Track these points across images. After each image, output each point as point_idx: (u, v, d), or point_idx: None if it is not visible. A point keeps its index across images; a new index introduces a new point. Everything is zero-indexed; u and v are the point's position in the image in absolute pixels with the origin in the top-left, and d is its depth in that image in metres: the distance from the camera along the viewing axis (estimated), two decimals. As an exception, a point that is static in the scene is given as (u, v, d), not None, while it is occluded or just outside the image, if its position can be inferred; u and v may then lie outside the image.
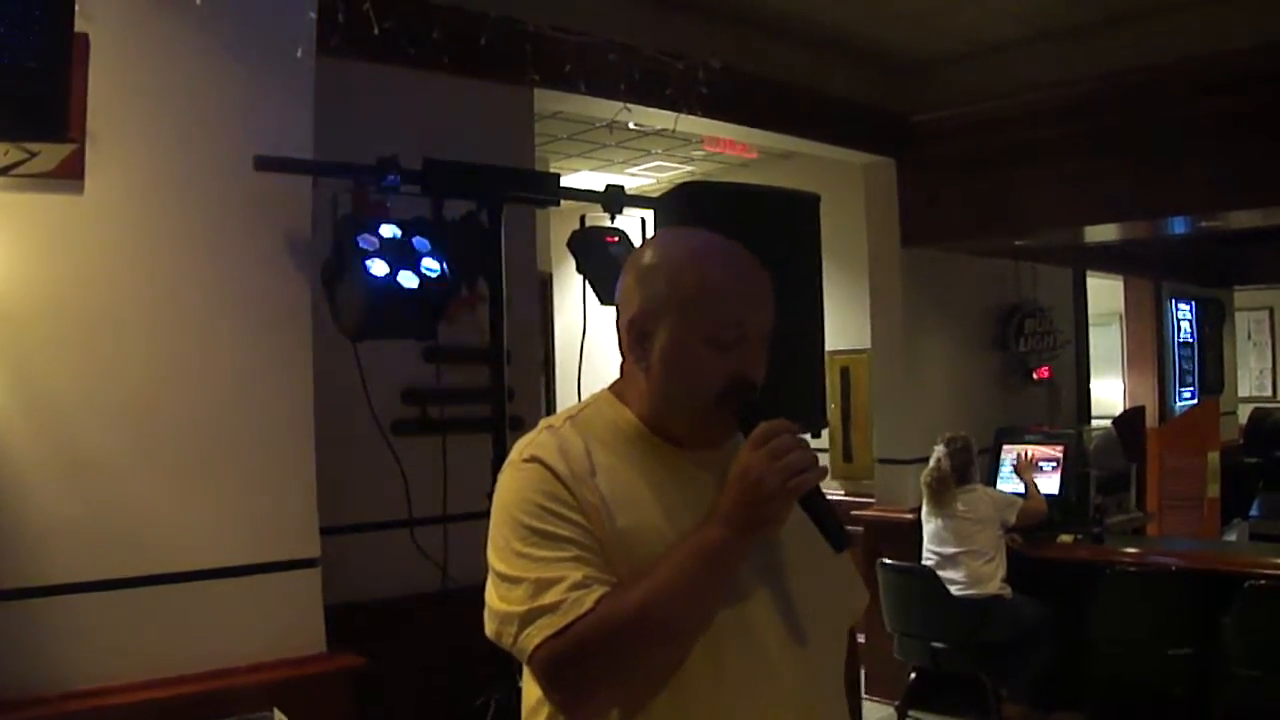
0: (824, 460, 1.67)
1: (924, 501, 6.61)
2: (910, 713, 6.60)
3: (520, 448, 1.84)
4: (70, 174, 3.15)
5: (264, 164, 3.42)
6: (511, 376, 3.91)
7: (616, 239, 4.09)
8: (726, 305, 1.78)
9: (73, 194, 3.18)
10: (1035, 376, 8.43)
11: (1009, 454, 7.49)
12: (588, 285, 4.08)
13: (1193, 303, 12.20)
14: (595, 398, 1.95)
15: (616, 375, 1.95)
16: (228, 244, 3.47)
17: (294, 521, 3.57)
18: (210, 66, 3.46)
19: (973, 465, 6.60)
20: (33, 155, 2.95)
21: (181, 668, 3.27)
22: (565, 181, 4.29)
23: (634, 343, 1.85)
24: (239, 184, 3.45)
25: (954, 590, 6.36)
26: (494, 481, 1.85)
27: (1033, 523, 6.51)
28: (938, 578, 6.39)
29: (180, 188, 3.38)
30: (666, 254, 1.87)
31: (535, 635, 1.64)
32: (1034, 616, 6.25)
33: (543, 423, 1.90)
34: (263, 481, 3.51)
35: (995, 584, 6.30)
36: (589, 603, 1.63)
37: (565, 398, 7.32)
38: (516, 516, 1.74)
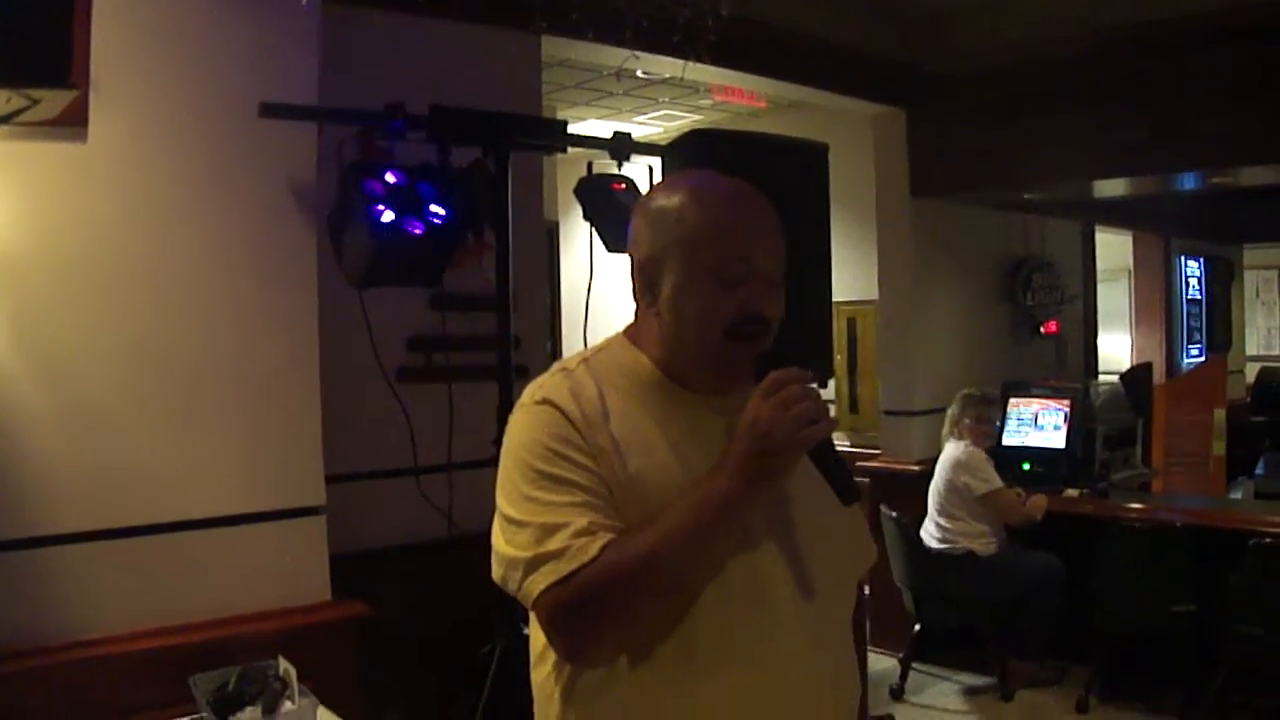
0: (830, 411, 1.66)
1: None
2: (914, 665, 6.62)
3: (532, 389, 1.82)
4: (73, 121, 3.12)
5: (269, 111, 3.39)
6: (518, 324, 3.90)
7: (624, 186, 4.07)
8: (731, 240, 1.76)
9: (76, 142, 3.15)
10: (1043, 330, 8.43)
11: (1015, 408, 7.47)
12: (594, 232, 4.06)
13: (1202, 260, 12.17)
14: (610, 341, 1.93)
15: (624, 321, 1.93)
16: (232, 191, 3.45)
17: (299, 470, 3.58)
18: (215, 12, 3.43)
19: (958, 420, 6.59)
20: (35, 103, 2.92)
21: (186, 616, 3.29)
22: (572, 129, 4.25)
23: (644, 286, 1.83)
24: (244, 131, 3.43)
25: (931, 544, 6.42)
26: (500, 429, 1.84)
27: (1005, 518, 6.41)
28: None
29: (185, 135, 3.36)
30: (672, 195, 1.85)
31: (539, 581, 1.63)
32: (1024, 576, 6.25)
33: (556, 364, 1.89)
34: (267, 430, 3.50)
35: (967, 541, 6.31)
36: (594, 550, 1.61)
37: (571, 345, 7.31)
38: (525, 459, 1.72)
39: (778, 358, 1.71)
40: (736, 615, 1.70)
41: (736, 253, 1.76)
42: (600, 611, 1.62)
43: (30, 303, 3.09)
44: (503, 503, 1.74)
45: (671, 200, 1.84)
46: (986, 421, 6.60)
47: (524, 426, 1.77)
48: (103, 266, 3.20)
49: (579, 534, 1.63)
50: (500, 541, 1.72)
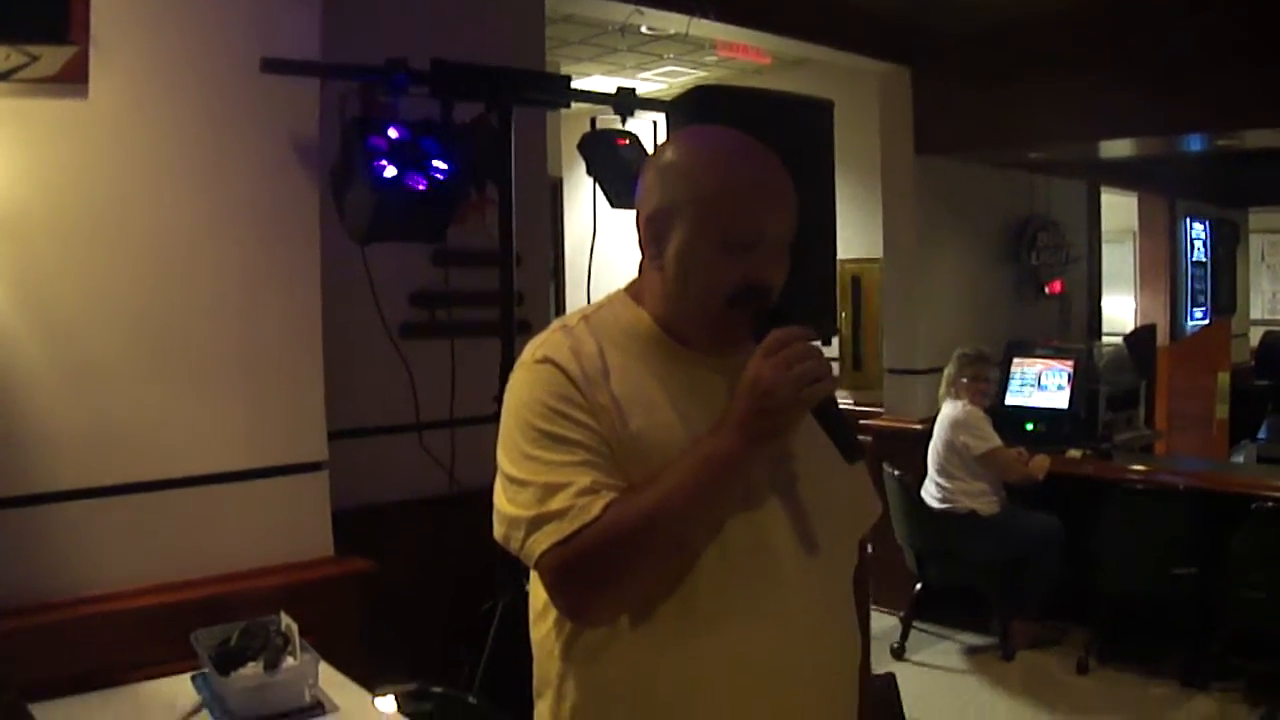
0: (834, 369, 1.64)
1: None
2: (915, 624, 6.65)
3: (533, 347, 1.80)
4: (74, 78, 3.08)
5: (271, 66, 3.36)
6: (521, 280, 3.89)
7: (627, 141, 4.07)
8: (744, 208, 1.73)
9: (77, 99, 3.12)
10: (1047, 290, 8.41)
11: (1019, 368, 7.46)
12: (597, 188, 4.05)
13: (1207, 222, 12.13)
14: (610, 297, 1.91)
15: (626, 278, 1.91)
16: (234, 147, 3.42)
17: (302, 425, 3.58)
18: (217, -34, 3.41)
19: (954, 380, 6.60)
20: (34, 59, 2.89)
21: (189, 572, 3.30)
22: (576, 85, 4.23)
23: (650, 240, 1.81)
24: (245, 86, 3.40)
25: (933, 504, 6.43)
26: (502, 385, 1.83)
27: (1004, 476, 6.43)
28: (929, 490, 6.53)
29: (186, 91, 3.33)
30: (688, 151, 1.82)
31: (542, 541, 1.62)
32: (1027, 535, 6.27)
33: (556, 322, 1.87)
34: (270, 386, 3.50)
35: (969, 501, 6.33)
36: (596, 509, 1.60)
37: (575, 302, 7.31)
38: (526, 418, 1.71)
39: (780, 315, 1.69)
40: (738, 571, 1.69)
41: (747, 221, 1.73)
42: (603, 571, 1.61)
43: (33, 260, 3.07)
44: (504, 462, 1.73)
45: (687, 156, 1.81)
46: (983, 379, 6.60)
47: (524, 385, 1.76)
48: (105, 223, 3.19)
49: (581, 493, 1.62)
50: (502, 500, 1.71)
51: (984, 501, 6.31)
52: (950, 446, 6.38)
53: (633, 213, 1.86)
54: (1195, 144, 7.63)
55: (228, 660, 2.72)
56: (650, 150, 4.11)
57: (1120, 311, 11.74)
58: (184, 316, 3.32)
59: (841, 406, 1.70)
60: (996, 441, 6.34)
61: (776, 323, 1.66)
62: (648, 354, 1.79)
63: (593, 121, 4.11)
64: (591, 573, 1.61)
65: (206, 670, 2.74)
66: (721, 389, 1.72)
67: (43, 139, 3.09)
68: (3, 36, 2.73)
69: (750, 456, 1.63)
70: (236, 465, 3.42)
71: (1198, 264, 12.05)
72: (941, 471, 6.42)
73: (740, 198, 1.74)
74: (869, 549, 5.65)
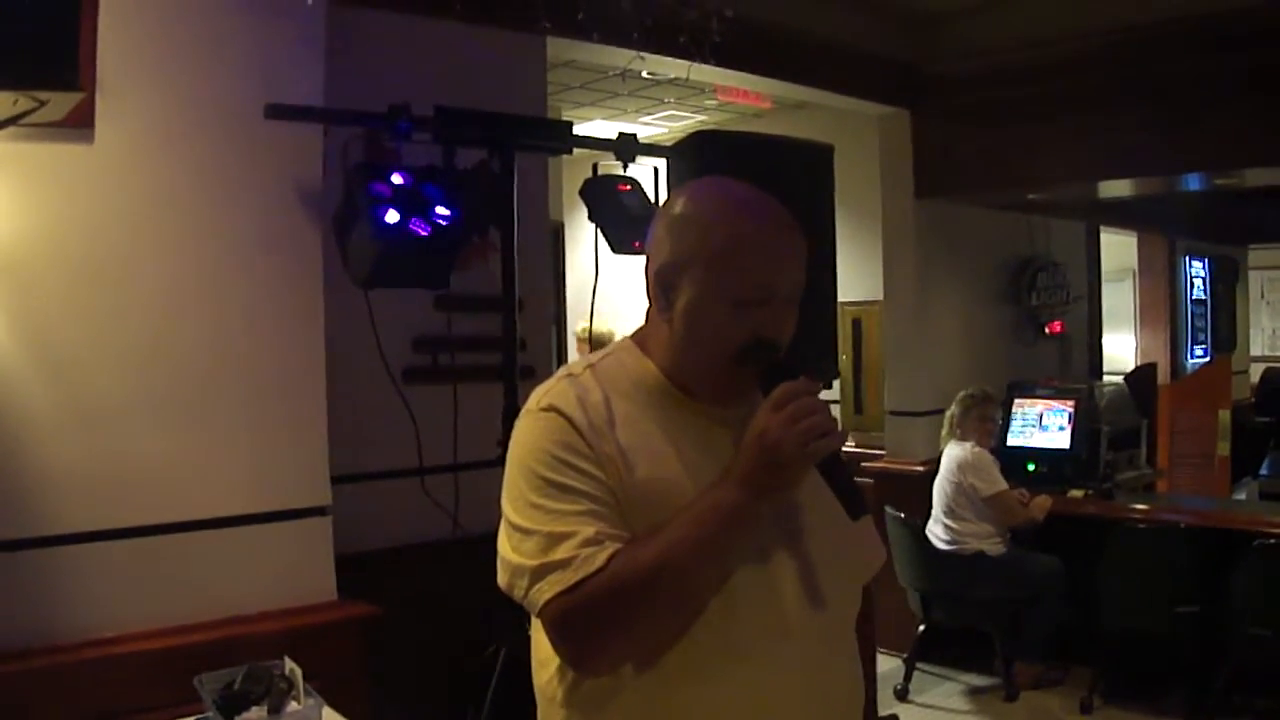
0: (835, 412, 1.65)
1: None
2: (918, 665, 6.62)
3: (538, 395, 1.80)
4: (80, 123, 3.13)
5: (275, 112, 3.39)
6: (523, 325, 3.90)
7: (629, 187, 4.07)
8: (755, 266, 1.73)
9: (83, 143, 3.16)
10: (1047, 331, 8.42)
11: (1020, 408, 7.47)
12: (599, 233, 4.06)
13: (1206, 260, 12.15)
14: (616, 346, 1.91)
15: (628, 322, 1.92)
16: (239, 193, 3.45)
17: (305, 470, 3.58)
18: (221, 14, 3.44)
19: (961, 421, 6.59)
20: (42, 104, 2.92)
21: (193, 616, 3.30)
22: (577, 130, 4.26)
23: (659, 293, 1.80)
24: (250, 132, 3.43)
25: (939, 545, 6.41)
26: (505, 430, 1.83)
27: (1007, 520, 6.42)
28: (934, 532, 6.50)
29: (191, 136, 3.36)
30: (699, 206, 1.82)
31: (546, 590, 1.62)
32: (1032, 576, 6.25)
33: (562, 370, 1.87)
34: (274, 430, 3.51)
35: (977, 542, 6.31)
36: (600, 560, 1.60)
37: (576, 347, 7.33)
38: (531, 466, 1.71)
39: (787, 369, 1.70)
40: (743, 621, 1.69)
41: (759, 278, 1.73)
42: (607, 621, 1.62)
43: (38, 303, 3.09)
44: (509, 510, 1.73)
45: (698, 210, 1.81)
46: (990, 420, 6.62)
47: (530, 434, 1.76)
48: (110, 267, 3.21)
49: (586, 543, 1.62)
50: (506, 548, 1.71)
51: (991, 543, 6.29)
52: (958, 489, 6.37)
53: (638, 260, 1.87)
54: (1194, 183, 7.66)
55: (231, 704, 2.72)
56: (652, 196, 4.13)
57: (1121, 350, 11.73)
58: (188, 361, 3.34)
59: (844, 449, 1.71)
60: (1003, 485, 6.33)
61: (784, 376, 1.66)
62: (654, 404, 1.79)
63: (594, 167, 4.13)
64: (595, 623, 1.61)
65: (210, 714, 2.73)
66: (727, 440, 1.73)
67: (49, 183, 3.12)
68: (10, 82, 2.75)
69: (756, 509, 1.63)
70: (240, 509, 3.43)
71: (1198, 302, 12.07)
72: (949, 513, 6.40)
73: (752, 255, 1.74)
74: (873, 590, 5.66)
